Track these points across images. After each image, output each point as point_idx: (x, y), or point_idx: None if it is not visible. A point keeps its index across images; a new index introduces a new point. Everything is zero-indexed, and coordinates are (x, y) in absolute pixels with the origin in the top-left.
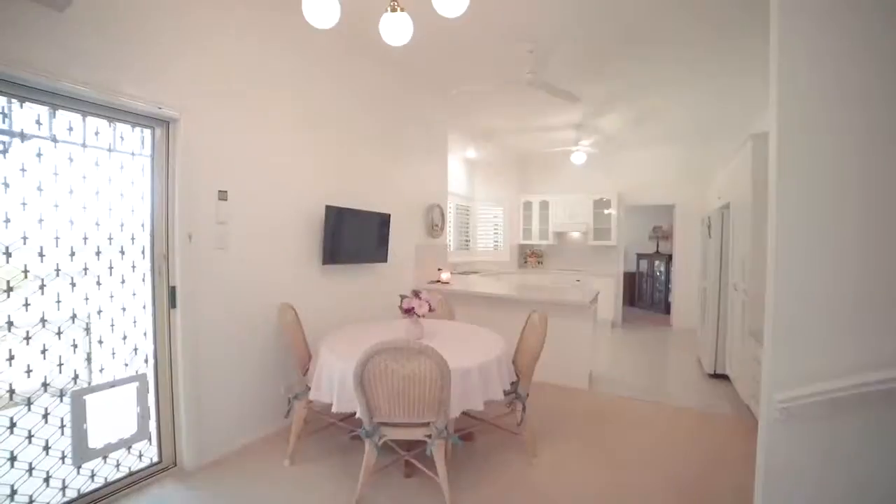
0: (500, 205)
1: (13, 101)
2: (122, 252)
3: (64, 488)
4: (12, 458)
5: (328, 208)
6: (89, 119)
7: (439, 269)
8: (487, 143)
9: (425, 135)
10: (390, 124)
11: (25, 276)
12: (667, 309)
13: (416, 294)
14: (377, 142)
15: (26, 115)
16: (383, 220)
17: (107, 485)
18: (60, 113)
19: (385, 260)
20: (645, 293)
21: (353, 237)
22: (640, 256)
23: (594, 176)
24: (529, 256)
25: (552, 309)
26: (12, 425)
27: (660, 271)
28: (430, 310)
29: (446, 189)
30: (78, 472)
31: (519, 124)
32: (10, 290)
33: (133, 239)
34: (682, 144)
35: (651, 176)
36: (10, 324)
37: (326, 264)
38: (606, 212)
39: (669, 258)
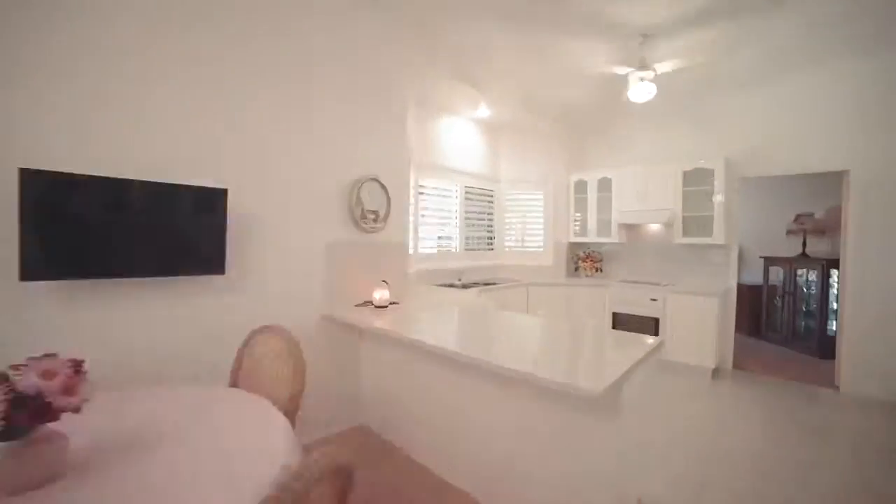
0: (539, 187)
1: None
2: None
3: None
4: None
5: (28, 176)
6: None
7: (384, 282)
8: (507, 97)
9: (342, 63)
10: (240, 38)
11: None
12: (824, 349)
13: (17, 367)
14: (208, 68)
15: None
16: (207, 201)
17: None
18: None
19: (220, 270)
20: (779, 320)
21: (119, 229)
22: (769, 261)
23: (682, 132)
24: (583, 260)
25: (529, 394)
26: None
27: (809, 285)
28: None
29: (405, 155)
30: None
31: (540, 58)
32: None
33: None
34: (857, 59)
35: (790, 125)
36: None
37: (36, 280)
38: (711, 192)
39: (829, 264)
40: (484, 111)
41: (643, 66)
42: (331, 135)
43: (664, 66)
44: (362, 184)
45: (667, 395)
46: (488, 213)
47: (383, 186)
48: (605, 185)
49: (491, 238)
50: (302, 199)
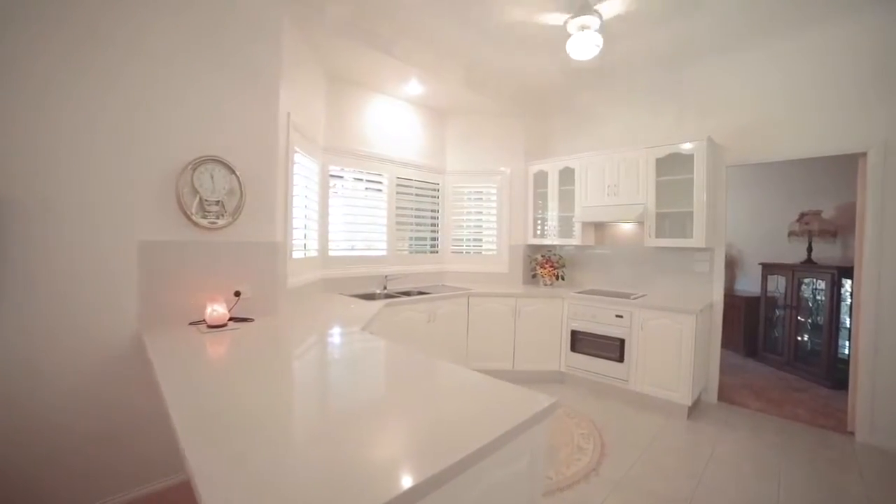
0: (492, 179)
1: None
2: None
3: None
4: None
5: None
6: None
7: (237, 294)
8: (441, 70)
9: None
10: None
11: None
12: (834, 376)
13: None
14: None
15: None
16: None
17: None
18: None
19: None
20: (779, 339)
21: None
22: (768, 269)
23: (656, 110)
24: (541, 266)
25: None
26: None
27: (816, 297)
28: None
29: (276, 132)
30: None
31: (456, 8)
32: None
33: None
34: (881, 8)
35: (788, 97)
36: None
37: None
38: (691, 183)
39: (840, 273)
40: (416, 87)
41: (584, 9)
42: (151, 100)
43: (611, 8)
44: (198, 166)
45: (613, 444)
46: (432, 211)
47: (232, 170)
48: (567, 176)
49: (435, 239)
50: (100, 185)
